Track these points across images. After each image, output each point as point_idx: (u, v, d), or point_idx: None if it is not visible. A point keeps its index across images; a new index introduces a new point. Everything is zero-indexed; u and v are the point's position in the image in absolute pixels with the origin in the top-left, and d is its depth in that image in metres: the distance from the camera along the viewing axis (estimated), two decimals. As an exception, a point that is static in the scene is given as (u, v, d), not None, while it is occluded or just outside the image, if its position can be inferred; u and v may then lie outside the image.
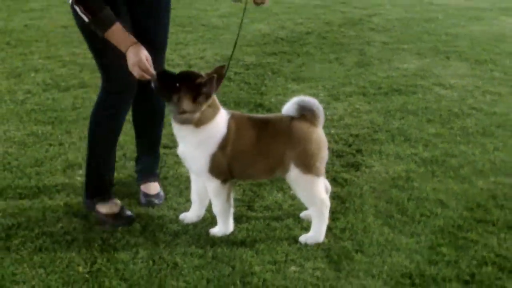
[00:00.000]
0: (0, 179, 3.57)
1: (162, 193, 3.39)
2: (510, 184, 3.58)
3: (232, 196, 3.07)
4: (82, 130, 4.21)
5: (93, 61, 5.81)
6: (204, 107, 2.90)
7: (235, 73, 5.41)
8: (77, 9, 2.83)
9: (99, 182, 3.24)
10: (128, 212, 3.20)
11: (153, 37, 3.14)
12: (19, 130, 4.21)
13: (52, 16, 7.50)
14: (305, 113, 2.96)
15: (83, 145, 3.98)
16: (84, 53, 5.84)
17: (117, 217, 3.15)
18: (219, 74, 2.92)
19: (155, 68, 2.93)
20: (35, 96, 4.85)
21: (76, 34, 6.57)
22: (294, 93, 4.92)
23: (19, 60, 5.74)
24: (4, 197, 3.37)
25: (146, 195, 3.32)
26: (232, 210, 3.07)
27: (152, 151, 3.49)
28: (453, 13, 7.93)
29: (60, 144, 4.01)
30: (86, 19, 2.83)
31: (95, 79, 5.18)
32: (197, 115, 2.89)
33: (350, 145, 4.06)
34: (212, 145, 2.92)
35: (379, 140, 4.14)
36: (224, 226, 3.06)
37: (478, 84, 5.27)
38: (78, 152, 3.89)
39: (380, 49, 6.30)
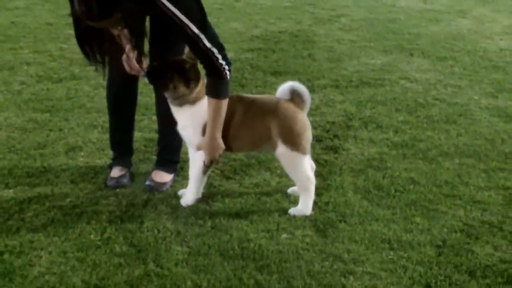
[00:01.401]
0: (7, 160, 3.70)
1: (168, 183, 3.47)
2: (473, 164, 3.85)
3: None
4: (78, 117, 4.35)
5: (81, 55, 5.97)
6: (197, 88, 3.11)
7: (216, 67, 5.58)
8: None
9: (111, 142, 3.65)
10: (124, 181, 3.45)
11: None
12: (18, 117, 4.33)
13: (35, 14, 7.56)
14: (294, 97, 3.18)
15: (82, 130, 4.14)
16: (71, 48, 5.95)
17: (111, 179, 3.46)
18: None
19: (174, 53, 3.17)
20: (30, 87, 4.95)
21: (62, 31, 6.75)
22: (273, 85, 5.13)
23: (10, 54, 5.82)
24: (13, 176, 3.51)
25: (151, 180, 3.47)
26: (205, 180, 3.30)
27: (171, 131, 3.37)
28: (414, 15, 8.23)
29: (60, 129, 4.14)
30: None
31: (84, 72, 5.33)
32: (193, 96, 3.10)
33: (327, 131, 4.29)
34: (204, 117, 3.12)
35: (353, 127, 4.38)
36: (194, 192, 3.27)
37: (440, 78, 5.55)
38: (78, 136, 4.04)
39: (349, 46, 6.54)
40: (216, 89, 3.02)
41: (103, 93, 4.80)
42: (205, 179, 3.28)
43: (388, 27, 7.44)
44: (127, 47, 3.08)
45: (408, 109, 4.75)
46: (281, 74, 5.51)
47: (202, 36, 2.85)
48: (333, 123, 4.44)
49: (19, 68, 5.44)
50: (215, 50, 2.89)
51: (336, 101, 4.90)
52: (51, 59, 5.72)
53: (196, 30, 2.83)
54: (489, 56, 6.30)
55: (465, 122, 4.53)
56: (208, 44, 2.87)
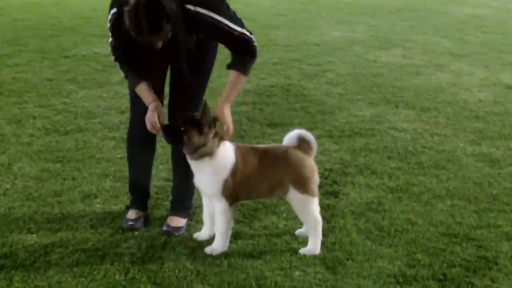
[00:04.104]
0: (26, 207, 3.84)
1: (184, 227, 3.64)
2: (464, 205, 4.07)
3: (232, 220, 3.44)
4: (90, 167, 4.52)
5: (85, 109, 6.14)
6: (211, 135, 3.26)
7: (215, 120, 5.80)
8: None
9: (129, 187, 3.83)
10: (138, 224, 3.60)
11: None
12: (32, 167, 4.49)
13: (35, 70, 7.74)
14: (301, 144, 3.40)
15: (95, 179, 4.30)
16: (74, 102, 6.13)
17: (127, 220, 3.63)
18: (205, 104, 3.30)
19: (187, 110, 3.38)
20: (39, 139, 5.11)
21: (63, 86, 6.95)
22: (271, 136, 5.37)
23: (16, 108, 5.99)
24: (34, 222, 3.65)
25: (168, 225, 3.63)
26: (230, 232, 3.43)
27: (185, 181, 3.64)
28: (395, 69, 8.55)
29: (73, 179, 4.30)
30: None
31: (90, 125, 5.51)
32: (209, 146, 3.27)
33: (326, 178, 4.50)
34: (225, 172, 3.29)
35: (350, 173, 4.59)
36: (223, 244, 3.39)
37: (426, 127, 5.82)
38: (92, 185, 4.19)
39: (338, 99, 6.81)
40: (246, 66, 3.30)
41: (110, 144, 5.01)
42: (230, 231, 3.41)
43: (373, 81, 7.74)
44: (152, 105, 3.28)
45: (399, 157, 4.98)
46: (277, 126, 5.73)
47: (235, 27, 3.17)
48: (330, 170, 4.66)
49: (26, 121, 5.60)
50: (247, 33, 3.22)
51: (331, 150, 5.12)
52: (56, 112, 5.89)
53: (230, 25, 3.16)
54: (469, 106, 6.60)
55: (454, 167, 4.77)
56: (241, 31, 3.19)
